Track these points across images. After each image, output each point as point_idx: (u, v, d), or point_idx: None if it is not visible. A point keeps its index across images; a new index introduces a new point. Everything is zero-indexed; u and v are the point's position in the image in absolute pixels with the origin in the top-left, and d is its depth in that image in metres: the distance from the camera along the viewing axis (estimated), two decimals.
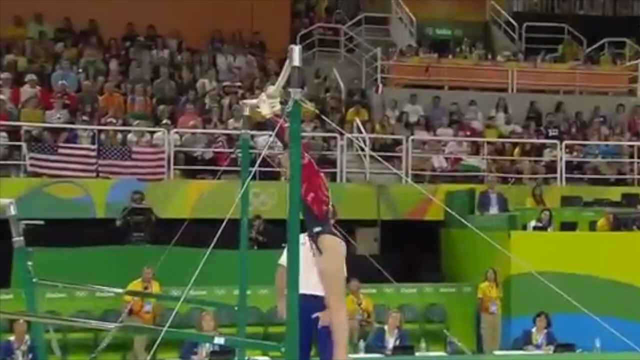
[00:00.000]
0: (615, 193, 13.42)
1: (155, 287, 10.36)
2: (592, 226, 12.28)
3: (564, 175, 13.98)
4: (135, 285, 10.12)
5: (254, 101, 5.12)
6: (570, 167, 14.26)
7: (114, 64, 14.95)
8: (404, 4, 17.90)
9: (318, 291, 5.01)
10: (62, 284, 7.36)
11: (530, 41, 18.14)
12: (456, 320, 11.78)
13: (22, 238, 5.15)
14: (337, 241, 4.84)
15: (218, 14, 16.28)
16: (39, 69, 14.22)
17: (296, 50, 4.02)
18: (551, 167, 14.18)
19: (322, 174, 4.91)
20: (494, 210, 12.81)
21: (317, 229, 4.81)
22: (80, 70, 14.45)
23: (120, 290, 7.64)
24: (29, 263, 5.25)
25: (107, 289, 7.10)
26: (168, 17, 15.95)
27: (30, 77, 13.56)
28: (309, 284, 4.81)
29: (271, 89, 4.79)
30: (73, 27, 15.72)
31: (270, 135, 4.77)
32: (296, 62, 4.02)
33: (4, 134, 12.38)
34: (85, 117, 12.96)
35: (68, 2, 15.44)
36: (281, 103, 4.64)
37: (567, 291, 5.20)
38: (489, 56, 17.43)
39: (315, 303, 5.11)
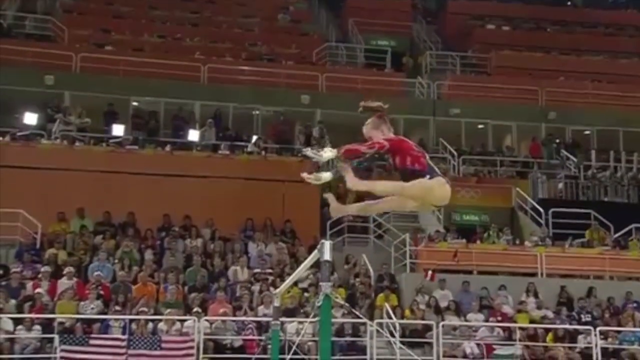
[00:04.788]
0: None
1: None
2: None
3: None
4: None
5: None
6: (606, 354, 13.90)
7: (148, 254, 15.38)
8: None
9: None
10: None
11: (556, 226, 18.36)
12: None
13: None
14: (445, 179, 5.03)
15: (251, 204, 16.91)
16: (77, 262, 14.68)
17: (327, 245, 4.21)
18: (586, 354, 13.84)
19: (404, 138, 5.10)
20: None
21: (426, 178, 4.96)
22: (116, 260, 14.87)
23: None
24: None
25: None
26: (203, 208, 16.60)
27: (68, 269, 13.99)
28: None
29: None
30: (112, 219, 16.37)
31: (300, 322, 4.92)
32: (326, 256, 4.20)
33: (38, 327, 12.58)
34: (117, 307, 13.17)
35: (108, 196, 16.24)
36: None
37: None
38: (517, 241, 17.64)
39: None
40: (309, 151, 4.72)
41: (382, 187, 5.02)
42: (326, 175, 4.68)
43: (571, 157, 21.54)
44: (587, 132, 23.10)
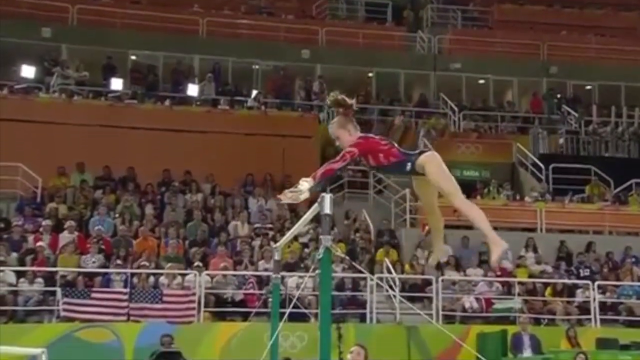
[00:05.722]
0: None
1: None
2: None
3: (597, 316, 13.74)
4: None
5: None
6: (604, 308, 14.03)
7: (149, 209, 15.40)
8: (432, 148, 18.36)
9: None
10: None
11: (557, 182, 18.36)
12: None
13: None
14: (429, 153, 4.93)
15: (251, 159, 16.89)
16: (78, 216, 14.70)
17: (327, 199, 4.18)
18: (584, 308, 13.97)
19: (368, 135, 4.96)
20: (527, 352, 12.54)
21: (408, 167, 4.86)
22: (117, 215, 14.89)
23: None
24: None
25: None
26: (203, 163, 16.58)
27: (69, 223, 14.01)
28: None
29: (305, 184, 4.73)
30: (112, 174, 16.35)
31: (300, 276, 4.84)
32: (327, 209, 4.17)
33: (40, 279, 12.65)
34: (119, 261, 13.23)
35: (108, 151, 16.20)
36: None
37: None
38: (517, 197, 17.66)
39: None
40: (287, 192, 4.65)
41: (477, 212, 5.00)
42: (305, 194, 4.60)
43: (572, 112, 21.46)
44: (588, 87, 22.95)
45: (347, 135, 4.90)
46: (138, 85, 19.18)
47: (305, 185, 4.57)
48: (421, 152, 4.92)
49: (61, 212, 14.81)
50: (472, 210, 4.93)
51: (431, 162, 4.83)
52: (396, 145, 4.93)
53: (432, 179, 4.85)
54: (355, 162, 4.94)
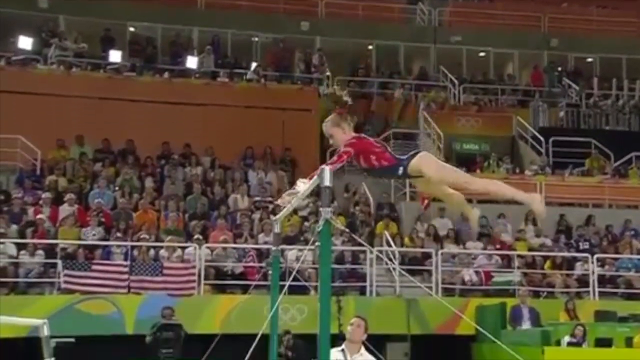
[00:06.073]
0: None
1: None
2: (629, 342, 11.96)
3: (596, 289, 13.80)
4: None
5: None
6: (603, 281, 14.09)
7: (149, 182, 15.39)
8: (432, 121, 18.35)
9: None
10: None
11: (556, 155, 18.34)
12: None
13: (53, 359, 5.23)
14: (422, 154, 4.85)
15: (250, 131, 16.85)
16: (77, 188, 14.70)
17: (327, 171, 4.15)
18: (583, 281, 14.03)
19: (362, 135, 4.85)
20: (526, 324, 12.62)
21: (400, 172, 4.79)
22: (117, 188, 14.89)
23: None
24: None
25: None
26: (202, 136, 16.54)
27: (69, 196, 14.00)
28: None
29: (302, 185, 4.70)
30: (112, 147, 16.32)
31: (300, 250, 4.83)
32: (326, 182, 4.14)
33: (40, 252, 12.68)
34: (119, 234, 13.24)
35: (107, 123, 16.15)
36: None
37: None
38: (517, 170, 17.65)
39: None
40: (285, 195, 4.65)
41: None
42: (303, 195, 4.56)
43: (573, 85, 21.37)
44: (589, 60, 22.83)
45: (341, 133, 4.82)
46: (137, 57, 19.05)
47: (302, 186, 4.55)
48: (412, 156, 4.80)
49: (61, 185, 14.80)
50: (491, 185, 4.91)
51: (426, 163, 4.73)
52: (389, 148, 4.85)
53: (435, 178, 4.78)
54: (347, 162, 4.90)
